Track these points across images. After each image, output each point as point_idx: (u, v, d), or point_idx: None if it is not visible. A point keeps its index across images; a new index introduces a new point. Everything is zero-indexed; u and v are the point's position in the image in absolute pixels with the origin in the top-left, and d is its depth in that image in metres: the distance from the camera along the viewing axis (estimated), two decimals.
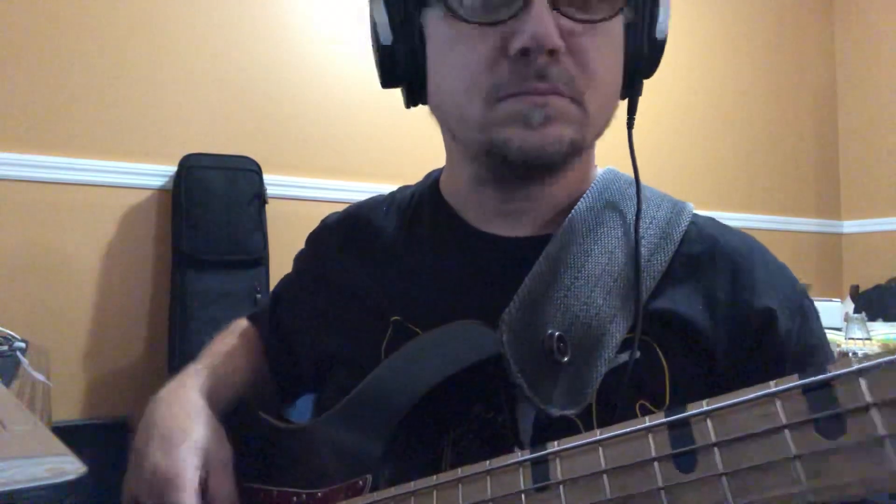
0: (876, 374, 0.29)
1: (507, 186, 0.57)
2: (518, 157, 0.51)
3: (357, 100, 2.20)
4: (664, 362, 0.52)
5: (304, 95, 2.18)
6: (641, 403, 0.50)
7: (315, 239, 0.72)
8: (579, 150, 0.53)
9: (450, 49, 0.53)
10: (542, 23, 0.47)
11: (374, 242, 0.65)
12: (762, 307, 0.53)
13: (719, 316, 0.53)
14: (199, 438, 0.55)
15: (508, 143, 0.51)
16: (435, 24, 0.54)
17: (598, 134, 0.56)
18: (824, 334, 0.57)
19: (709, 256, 0.56)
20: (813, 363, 0.52)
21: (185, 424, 0.56)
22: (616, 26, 0.53)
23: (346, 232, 0.68)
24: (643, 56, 0.56)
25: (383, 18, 0.55)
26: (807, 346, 0.54)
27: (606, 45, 0.52)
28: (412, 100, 0.59)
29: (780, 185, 3.10)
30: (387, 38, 0.56)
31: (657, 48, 0.56)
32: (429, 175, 0.69)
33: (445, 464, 0.52)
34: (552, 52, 0.49)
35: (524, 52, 0.48)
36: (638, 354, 0.50)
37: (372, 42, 0.57)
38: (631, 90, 0.58)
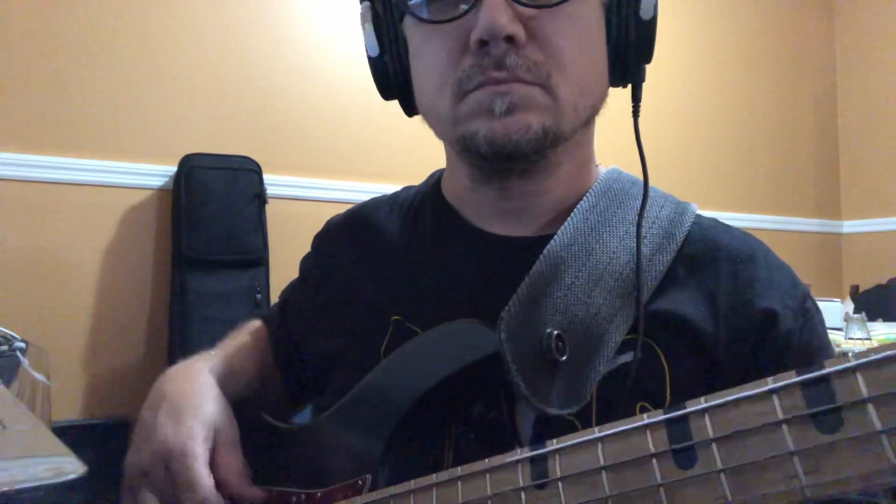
0: (872, 369, 0.29)
1: (501, 184, 0.57)
2: (487, 148, 0.51)
3: (357, 100, 2.20)
4: (665, 363, 0.52)
5: (304, 95, 2.18)
6: (642, 405, 0.50)
7: (319, 240, 0.73)
8: (556, 138, 0.52)
9: (421, 51, 0.55)
10: (494, 12, 0.48)
11: (377, 242, 0.65)
12: (763, 308, 0.53)
13: (721, 317, 0.53)
14: (208, 413, 0.55)
15: (476, 135, 0.51)
16: (411, 32, 0.56)
17: (580, 122, 0.55)
18: (827, 336, 0.56)
19: (711, 257, 0.56)
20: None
21: (195, 398, 0.56)
22: (584, 9, 0.52)
23: (349, 232, 0.69)
24: (631, 39, 0.54)
25: (370, 32, 0.58)
26: (809, 348, 0.53)
27: (573, 28, 0.51)
28: (409, 109, 0.61)
29: (780, 185, 3.10)
30: (374, 50, 0.58)
31: (646, 29, 0.54)
32: (432, 175, 0.70)
33: (446, 463, 0.52)
34: (511, 40, 0.49)
35: (482, 44, 0.49)
36: (639, 355, 0.50)
37: (366, 55, 0.60)
38: (630, 76, 0.57)
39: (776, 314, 0.53)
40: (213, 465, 0.53)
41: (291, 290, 0.75)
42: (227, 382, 0.63)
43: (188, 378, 0.60)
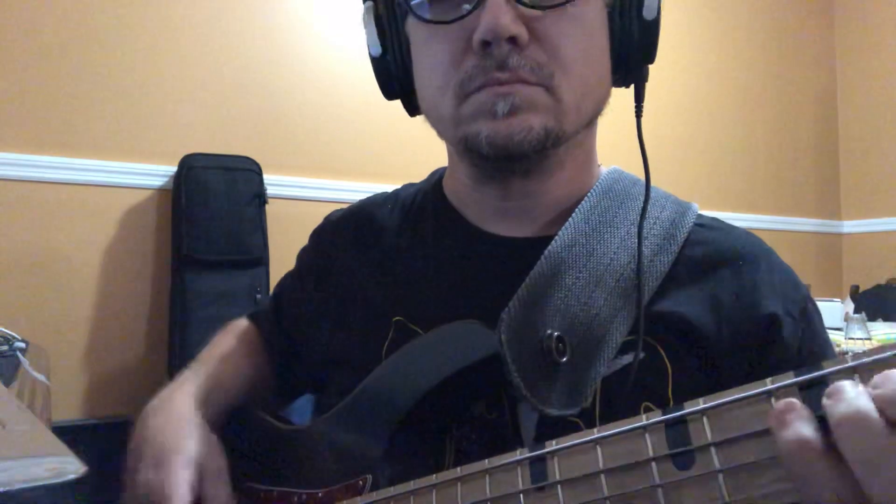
0: (869, 369, 0.29)
1: (503, 184, 0.57)
2: (489, 149, 0.51)
3: (357, 100, 2.20)
4: (668, 364, 0.52)
5: (304, 95, 2.18)
6: (645, 405, 0.50)
7: (318, 235, 0.72)
8: (558, 139, 0.52)
9: (424, 51, 0.55)
10: (497, 13, 0.48)
11: (378, 241, 0.65)
12: (767, 313, 0.53)
13: (723, 319, 0.53)
14: (190, 452, 0.54)
15: (478, 136, 0.51)
16: (413, 32, 0.56)
17: (582, 122, 0.55)
18: (828, 338, 0.56)
19: (712, 259, 0.56)
20: None
21: (175, 439, 0.55)
22: (588, 10, 0.52)
23: (349, 229, 0.68)
24: (634, 39, 0.54)
25: (372, 31, 0.57)
26: (812, 352, 0.53)
27: (576, 29, 0.51)
28: (411, 109, 0.61)
29: (780, 185, 3.10)
30: (376, 49, 0.58)
31: (649, 30, 0.53)
32: (433, 174, 0.69)
33: (448, 464, 0.52)
34: (513, 41, 0.49)
35: (485, 45, 0.49)
36: (642, 356, 0.50)
37: (368, 55, 0.59)
38: (633, 76, 0.57)
39: (779, 319, 0.53)
40: (200, 499, 0.53)
41: (286, 285, 0.74)
42: (215, 398, 0.62)
43: (169, 412, 0.58)
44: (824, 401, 0.29)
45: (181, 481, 0.51)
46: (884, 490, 0.27)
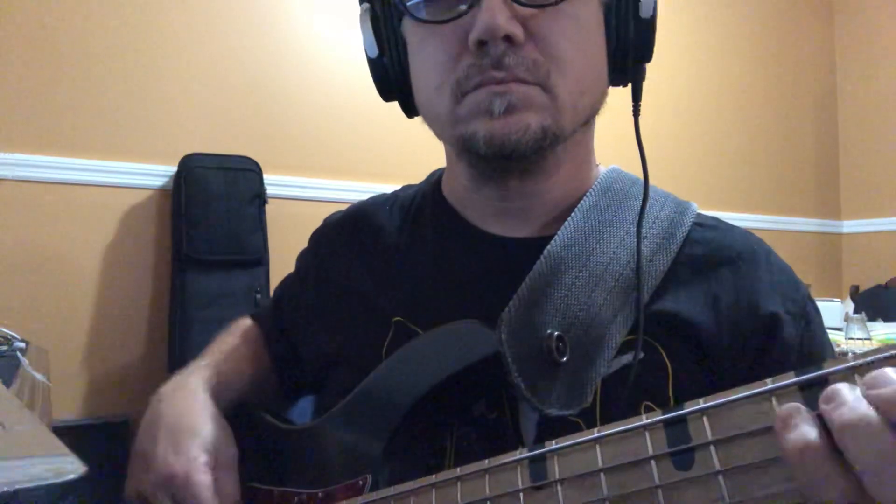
0: (868, 370, 0.29)
1: (501, 184, 0.57)
2: (487, 149, 0.51)
3: (357, 100, 2.20)
4: (668, 363, 0.52)
5: (304, 95, 2.18)
6: (646, 404, 0.50)
7: (318, 238, 0.72)
8: (555, 138, 0.52)
9: (420, 52, 0.55)
10: (493, 12, 0.48)
11: (377, 242, 0.65)
12: (767, 313, 0.53)
13: (723, 319, 0.53)
14: (207, 436, 0.55)
15: (475, 135, 0.51)
16: (410, 32, 0.56)
17: (579, 121, 0.55)
18: (828, 338, 0.56)
19: (712, 258, 0.56)
20: None
21: (192, 421, 0.56)
22: (583, 8, 0.52)
23: (348, 231, 0.68)
24: (630, 38, 0.53)
25: (369, 32, 0.57)
26: (811, 352, 0.54)
27: (572, 27, 0.51)
28: (409, 110, 0.61)
29: (780, 185, 3.10)
30: (373, 51, 0.58)
31: (646, 28, 0.53)
32: (432, 174, 0.69)
33: (448, 464, 0.52)
34: (509, 40, 0.49)
35: (481, 44, 0.49)
36: (642, 355, 0.50)
37: (365, 57, 0.59)
38: (631, 75, 0.56)
39: (779, 319, 0.53)
40: None
41: (286, 287, 0.75)
42: (221, 393, 0.62)
43: (184, 398, 0.59)
44: (822, 406, 0.29)
45: (200, 465, 0.52)
46: (891, 491, 0.27)
